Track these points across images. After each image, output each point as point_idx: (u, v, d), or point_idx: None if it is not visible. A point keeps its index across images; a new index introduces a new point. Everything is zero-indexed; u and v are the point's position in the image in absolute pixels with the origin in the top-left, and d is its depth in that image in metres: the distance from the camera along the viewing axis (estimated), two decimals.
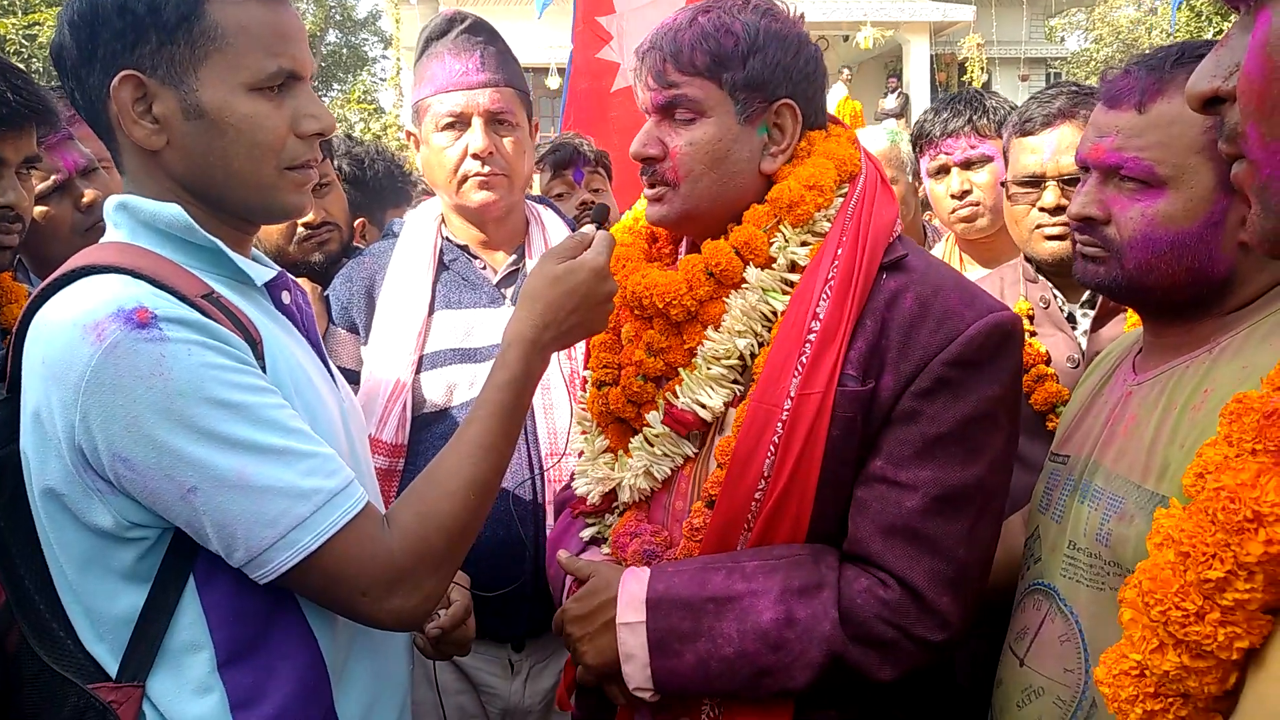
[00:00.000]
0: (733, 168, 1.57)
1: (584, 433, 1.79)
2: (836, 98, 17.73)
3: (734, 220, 1.60)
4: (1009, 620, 1.64)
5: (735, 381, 1.58)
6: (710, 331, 1.59)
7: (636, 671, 1.50)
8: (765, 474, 1.48)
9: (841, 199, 1.59)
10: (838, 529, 1.53)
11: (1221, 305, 1.43)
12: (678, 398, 1.60)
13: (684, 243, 1.74)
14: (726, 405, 1.58)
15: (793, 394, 1.47)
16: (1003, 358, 1.50)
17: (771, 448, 1.47)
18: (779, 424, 1.47)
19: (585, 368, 1.84)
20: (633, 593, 1.52)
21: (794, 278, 1.56)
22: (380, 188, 3.40)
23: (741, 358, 1.57)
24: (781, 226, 1.57)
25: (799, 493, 1.47)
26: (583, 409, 1.80)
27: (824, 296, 1.50)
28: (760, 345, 1.56)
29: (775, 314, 1.56)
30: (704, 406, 1.57)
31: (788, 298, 1.55)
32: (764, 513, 1.49)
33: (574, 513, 1.79)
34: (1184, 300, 1.45)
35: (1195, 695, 0.91)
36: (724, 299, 1.59)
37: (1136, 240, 1.44)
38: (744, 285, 1.57)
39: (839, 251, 1.53)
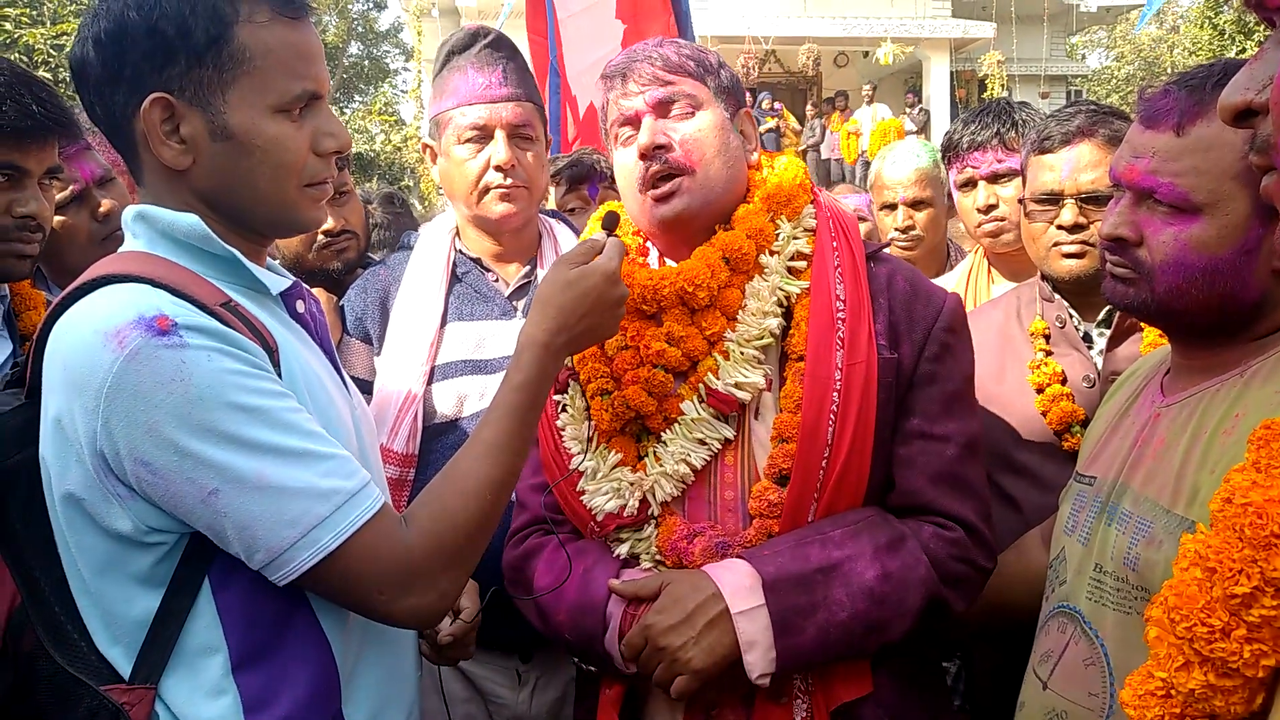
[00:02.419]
0: (733, 155, 1.74)
1: (580, 452, 1.75)
2: (864, 119, 17.67)
3: (717, 223, 1.74)
4: (1027, 640, 1.62)
5: (762, 362, 1.67)
6: (742, 315, 1.68)
7: (759, 658, 1.53)
8: (828, 442, 1.59)
9: (813, 200, 1.78)
10: (881, 490, 1.68)
11: (1251, 330, 1.41)
12: (718, 380, 1.65)
13: (652, 254, 1.82)
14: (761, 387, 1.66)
15: (840, 365, 1.61)
16: (968, 327, 1.77)
17: (831, 417, 1.60)
18: (834, 394, 1.60)
19: (555, 393, 1.81)
20: (737, 582, 1.56)
21: (799, 265, 1.71)
22: None
23: (771, 338, 1.67)
24: (779, 220, 1.73)
25: (858, 457, 1.61)
26: (574, 430, 1.77)
27: (838, 280, 1.67)
28: (782, 328, 1.68)
29: (789, 299, 1.69)
30: (741, 387, 1.65)
31: (798, 284, 1.69)
32: (830, 481, 1.60)
33: (601, 533, 1.73)
34: (1213, 324, 1.43)
35: (1222, 715, 0.90)
36: (737, 287, 1.70)
37: (1168, 264, 1.42)
38: (764, 271, 1.69)
39: (835, 243, 1.71)
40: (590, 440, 1.76)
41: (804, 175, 1.78)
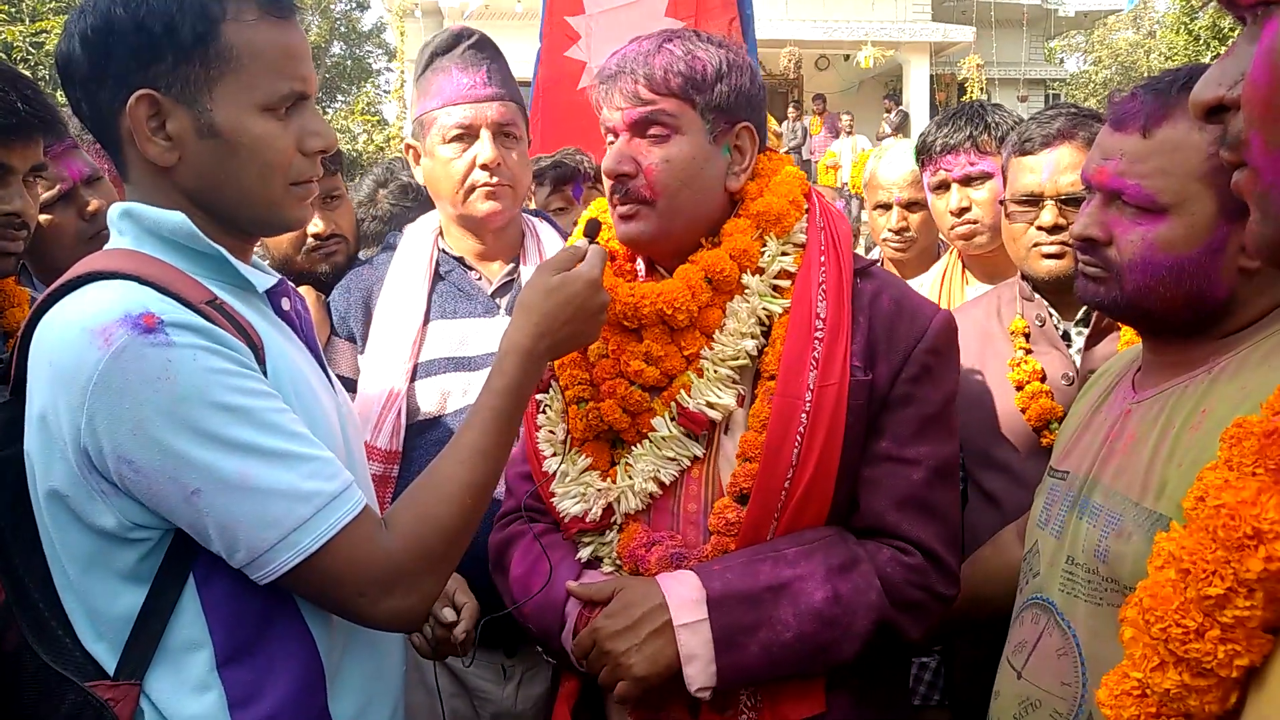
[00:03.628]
0: (704, 184, 1.66)
1: (554, 454, 1.77)
2: (844, 150, 17.53)
3: (700, 237, 1.69)
4: (1005, 632, 1.64)
5: (737, 382, 1.65)
6: (719, 335, 1.66)
7: (699, 671, 1.53)
8: (793, 463, 1.57)
9: (807, 213, 1.72)
10: (846, 510, 1.65)
11: (1220, 328, 1.44)
12: (690, 399, 1.64)
13: (640, 261, 1.79)
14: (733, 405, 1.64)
15: (811, 386, 1.58)
16: (956, 347, 1.73)
17: (797, 438, 1.57)
18: (803, 415, 1.57)
19: (538, 391, 1.82)
20: (683, 595, 1.55)
21: (783, 284, 1.67)
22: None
23: (747, 358, 1.65)
24: (767, 238, 1.68)
25: (823, 479, 1.59)
26: (550, 431, 1.79)
27: (820, 298, 1.63)
28: (760, 348, 1.65)
29: (770, 318, 1.66)
30: (713, 407, 1.63)
31: (780, 302, 1.66)
32: (793, 501, 1.58)
33: (567, 535, 1.75)
34: (1182, 322, 1.46)
35: (1196, 715, 0.91)
36: (718, 306, 1.67)
37: (1136, 263, 1.45)
38: (746, 291, 1.66)
39: (823, 259, 1.67)
40: (564, 443, 1.77)
41: (799, 191, 1.72)
